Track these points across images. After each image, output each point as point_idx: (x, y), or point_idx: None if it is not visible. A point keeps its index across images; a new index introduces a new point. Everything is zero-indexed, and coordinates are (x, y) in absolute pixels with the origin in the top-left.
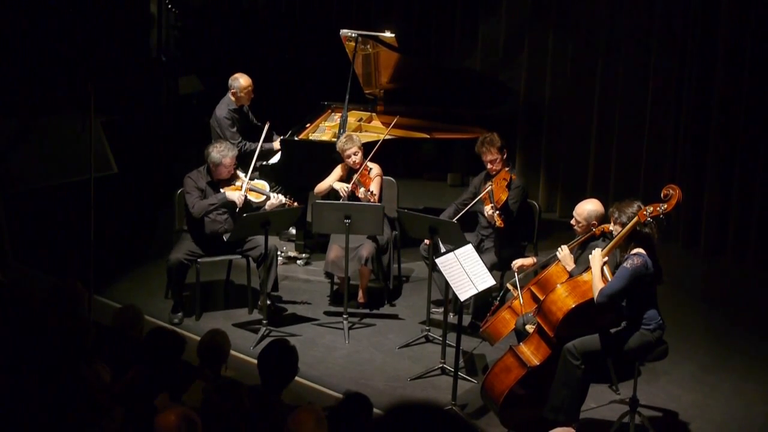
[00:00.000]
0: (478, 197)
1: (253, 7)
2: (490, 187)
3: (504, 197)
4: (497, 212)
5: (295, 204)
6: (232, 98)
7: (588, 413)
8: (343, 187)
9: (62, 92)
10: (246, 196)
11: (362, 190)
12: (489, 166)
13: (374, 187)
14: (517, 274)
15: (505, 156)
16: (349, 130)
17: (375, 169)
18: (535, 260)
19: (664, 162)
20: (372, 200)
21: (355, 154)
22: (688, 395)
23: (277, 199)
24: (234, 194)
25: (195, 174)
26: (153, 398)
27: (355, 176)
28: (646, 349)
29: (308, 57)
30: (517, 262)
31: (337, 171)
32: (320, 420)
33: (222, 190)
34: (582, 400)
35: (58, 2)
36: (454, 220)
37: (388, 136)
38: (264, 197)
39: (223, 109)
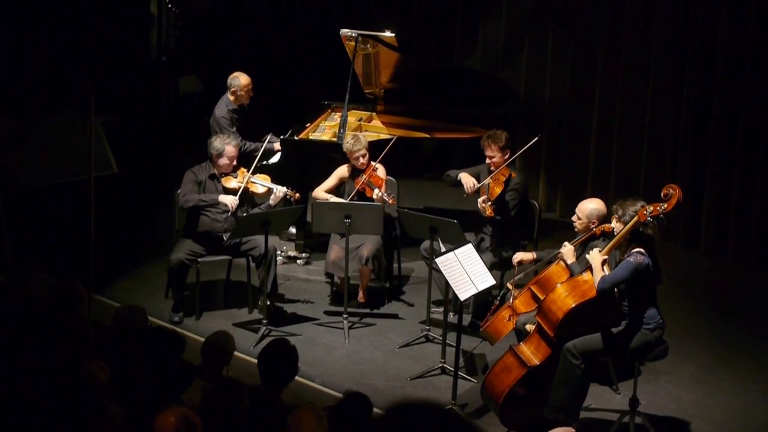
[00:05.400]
0: (477, 187)
1: (254, 7)
2: (487, 182)
3: (498, 191)
4: (489, 203)
5: (297, 195)
6: (231, 97)
7: (588, 413)
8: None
9: (62, 92)
10: (249, 188)
11: (376, 191)
12: (487, 160)
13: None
14: (516, 272)
15: (507, 156)
16: (349, 130)
17: (381, 169)
18: (534, 255)
19: (664, 162)
20: (390, 201)
21: (362, 156)
22: (688, 395)
23: (280, 190)
24: (227, 198)
25: (197, 168)
26: (153, 398)
27: (365, 177)
28: (646, 348)
29: (308, 57)
30: (517, 257)
31: (340, 171)
32: (320, 419)
33: (222, 181)
34: (582, 399)
35: (58, 2)
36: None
37: (386, 136)
38: (266, 189)
39: (222, 109)
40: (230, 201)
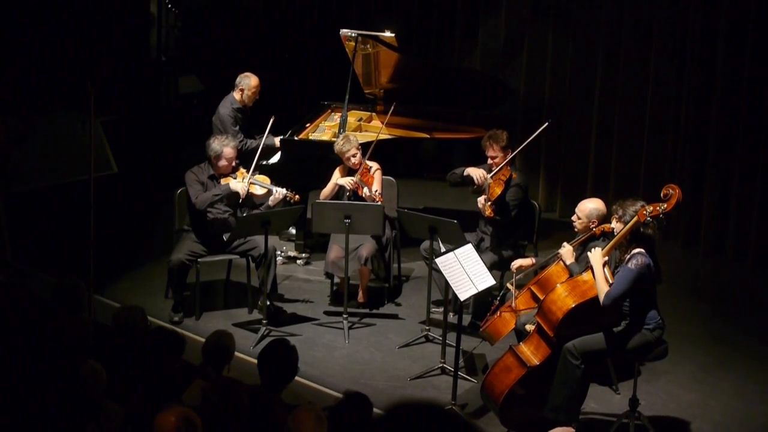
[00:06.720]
0: (478, 187)
1: (254, 7)
2: (488, 181)
3: (498, 191)
4: (489, 203)
5: (297, 197)
6: (237, 96)
7: (588, 413)
8: (348, 181)
9: (62, 92)
10: (249, 188)
11: (366, 189)
12: (489, 161)
13: (376, 184)
14: (516, 275)
15: (508, 156)
16: (349, 130)
17: (374, 166)
18: (534, 261)
19: (664, 162)
20: (378, 199)
21: (354, 156)
22: (688, 395)
23: (280, 192)
24: (237, 185)
25: (197, 168)
26: (153, 398)
27: (357, 176)
28: (645, 348)
29: (308, 57)
30: (516, 263)
31: (337, 174)
32: (320, 419)
33: (222, 182)
34: (582, 400)
35: (58, 2)
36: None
37: (386, 136)
38: (266, 190)
39: (226, 107)
40: (241, 188)
